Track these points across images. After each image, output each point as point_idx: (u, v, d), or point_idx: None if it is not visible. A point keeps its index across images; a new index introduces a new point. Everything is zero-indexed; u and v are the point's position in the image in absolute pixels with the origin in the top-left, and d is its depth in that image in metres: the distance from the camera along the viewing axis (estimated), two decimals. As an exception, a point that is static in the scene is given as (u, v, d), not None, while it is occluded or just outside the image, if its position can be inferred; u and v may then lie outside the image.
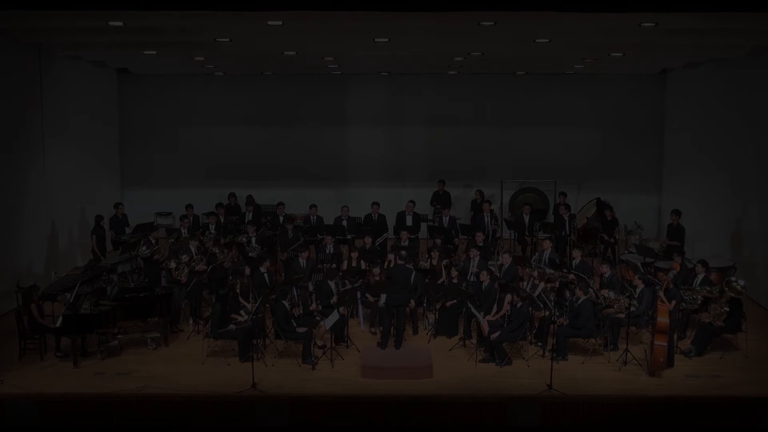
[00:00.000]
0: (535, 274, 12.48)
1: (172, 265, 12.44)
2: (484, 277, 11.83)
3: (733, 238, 14.96)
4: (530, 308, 11.20)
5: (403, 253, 12.42)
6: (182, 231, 14.61)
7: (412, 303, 11.96)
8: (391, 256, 13.11)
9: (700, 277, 11.98)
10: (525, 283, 12.30)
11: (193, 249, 12.90)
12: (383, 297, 11.54)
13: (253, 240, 13.88)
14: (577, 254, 12.84)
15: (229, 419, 9.65)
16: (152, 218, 17.66)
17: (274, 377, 10.36)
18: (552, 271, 12.56)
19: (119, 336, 11.52)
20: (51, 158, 14.91)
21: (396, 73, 19.02)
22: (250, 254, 13.63)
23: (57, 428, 9.60)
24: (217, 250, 13.37)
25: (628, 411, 9.65)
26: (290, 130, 19.44)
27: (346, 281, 12.55)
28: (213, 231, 15.09)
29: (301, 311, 11.26)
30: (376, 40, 12.67)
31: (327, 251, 13.75)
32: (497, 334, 10.83)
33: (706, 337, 11.15)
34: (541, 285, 12.14)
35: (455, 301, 11.99)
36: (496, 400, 9.71)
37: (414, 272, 12.01)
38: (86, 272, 12.51)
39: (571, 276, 12.24)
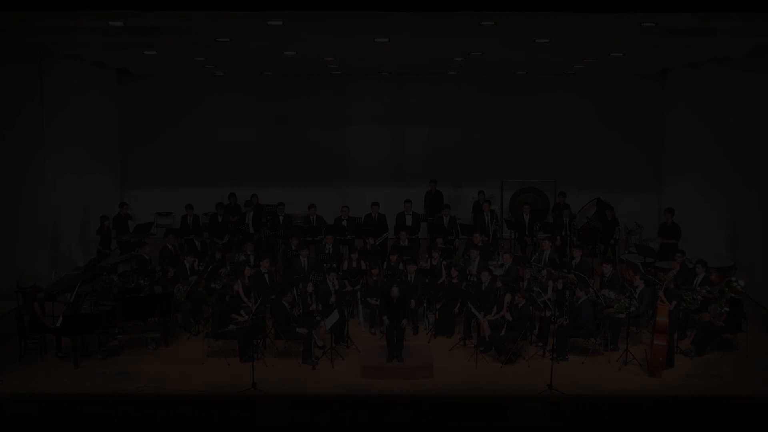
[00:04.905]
0: (544, 273, 12.46)
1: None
2: (485, 277, 11.83)
3: (732, 238, 14.95)
4: (530, 308, 11.20)
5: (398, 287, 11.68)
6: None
7: (413, 303, 11.95)
8: (395, 259, 13.12)
9: (700, 277, 12.00)
10: (523, 283, 12.31)
11: (187, 265, 12.88)
12: (385, 319, 11.30)
13: (251, 258, 13.61)
14: (577, 253, 12.84)
15: (229, 419, 9.65)
16: (152, 218, 17.69)
17: (274, 377, 10.36)
18: (549, 271, 12.56)
19: (119, 336, 11.53)
20: (51, 158, 14.92)
21: (396, 73, 19.02)
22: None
23: (57, 428, 9.59)
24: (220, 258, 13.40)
25: (628, 411, 9.64)
26: (290, 130, 19.44)
27: (346, 282, 12.55)
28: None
29: (301, 311, 11.25)
30: (376, 40, 12.67)
31: (327, 251, 13.75)
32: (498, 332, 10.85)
33: (706, 337, 11.15)
34: (551, 284, 12.13)
35: (458, 303, 11.96)
36: (496, 400, 9.71)
37: (409, 275, 12.00)
38: (86, 272, 12.54)
39: (572, 276, 12.25)
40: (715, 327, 11.18)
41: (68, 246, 15.75)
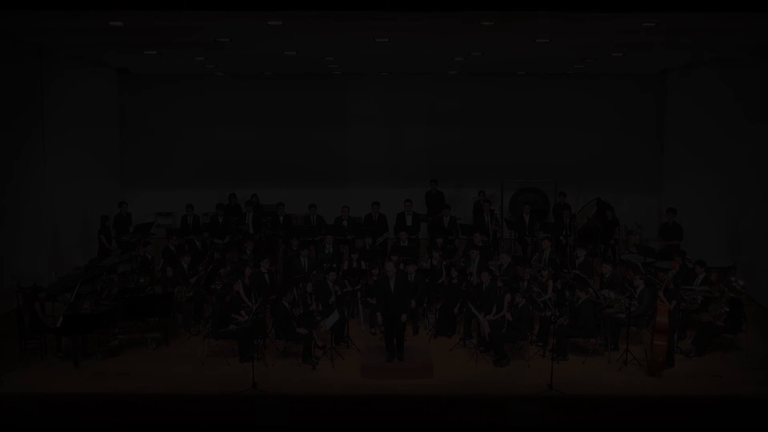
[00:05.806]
0: (544, 273, 12.45)
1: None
2: (485, 277, 11.83)
3: (732, 238, 14.95)
4: (530, 308, 11.20)
5: (396, 258, 12.13)
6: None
7: (413, 303, 11.93)
8: (393, 258, 13.06)
9: (701, 277, 11.99)
10: (524, 283, 12.30)
11: (185, 265, 12.87)
12: (379, 316, 11.28)
13: (250, 258, 13.58)
14: (581, 253, 12.78)
15: (229, 419, 9.65)
16: (152, 218, 17.69)
17: (274, 377, 10.36)
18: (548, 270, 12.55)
19: (119, 336, 11.53)
20: (51, 158, 14.91)
21: (396, 73, 19.02)
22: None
23: (57, 428, 9.59)
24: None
25: (628, 411, 9.64)
26: (290, 129, 19.44)
27: (346, 282, 12.55)
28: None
29: (301, 311, 11.26)
30: (376, 40, 12.67)
31: (327, 251, 13.74)
32: (497, 332, 10.84)
33: (706, 337, 11.15)
34: (551, 284, 12.12)
35: (458, 303, 11.95)
36: (496, 400, 9.71)
37: (409, 275, 11.97)
38: (86, 272, 12.54)
39: (571, 274, 12.24)
40: (715, 327, 11.18)
41: (68, 246, 15.75)
